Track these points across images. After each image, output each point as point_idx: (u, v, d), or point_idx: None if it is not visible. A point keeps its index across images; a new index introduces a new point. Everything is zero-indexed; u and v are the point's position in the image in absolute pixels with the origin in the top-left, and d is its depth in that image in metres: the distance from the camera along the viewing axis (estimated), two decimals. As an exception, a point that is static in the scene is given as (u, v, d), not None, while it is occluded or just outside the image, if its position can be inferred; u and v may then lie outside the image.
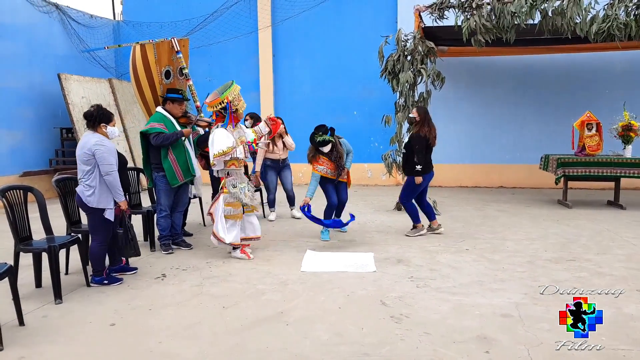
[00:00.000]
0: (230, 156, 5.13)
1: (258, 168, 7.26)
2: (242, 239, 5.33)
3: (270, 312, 3.82)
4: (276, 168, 7.32)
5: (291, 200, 7.63)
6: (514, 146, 10.79)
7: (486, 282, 4.47)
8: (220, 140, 5.07)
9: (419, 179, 6.00)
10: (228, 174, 5.28)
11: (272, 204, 7.51)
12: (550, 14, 6.98)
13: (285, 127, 6.88)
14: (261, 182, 7.46)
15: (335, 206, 6.26)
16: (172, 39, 6.25)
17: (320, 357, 3.09)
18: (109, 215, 4.42)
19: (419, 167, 5.94)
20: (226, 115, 5.18)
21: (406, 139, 6.39)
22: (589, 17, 6.90)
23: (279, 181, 7.51)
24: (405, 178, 6.34)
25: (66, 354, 3.20)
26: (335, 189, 6.22)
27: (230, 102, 5.10)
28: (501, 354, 3.09)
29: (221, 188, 5.30)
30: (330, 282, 4.51)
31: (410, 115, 6.29)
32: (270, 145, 7.08)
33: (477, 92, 10.78)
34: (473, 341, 3.27)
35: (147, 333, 3.49)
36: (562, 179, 8.16)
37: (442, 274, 4.70)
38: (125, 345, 3.30)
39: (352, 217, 6.01)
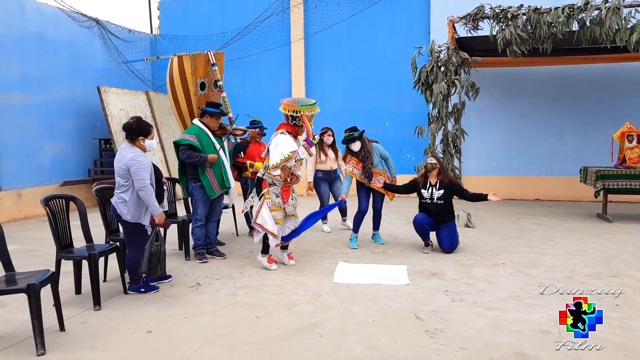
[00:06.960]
0: (294, 160, 5.08)
1: (310, 179, 7.23)
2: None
3: (303, 323, 3.82)
4: (328, 179, 7.18)
5: (343, 212, 7.51)
6: (550, 158, 10.55)
7: (523, 297, 4.36)
8: (286, 144, 5.07)
9: None
10: (271, 183, 5.26)
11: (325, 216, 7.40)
12: (588, 23, 6.84)
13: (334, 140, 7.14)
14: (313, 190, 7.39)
15: (365, 213, 6.33)
16: (209, 52, 6.40)
17: (355, 370, 3.07)
18: (149, 228, 4.53)
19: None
20: (297, 124, 5.18)
21: (431, 160, 6.10)
22: (628, 26, 6.74)
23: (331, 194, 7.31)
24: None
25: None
26: (372, 197, 6.37)
27: (303, 117, 5.07)
28: (541, 371, 3.01)
29: (263, 195, 5.27)
30: (363, 294, 4.49)
31: (430, 161, 6.07)
32: (322, 156, 7.03)
33: (512, 102, 10.61)
34: (511, 358, 3.19)
35: (182, 341, 3.53)
36: (602, 192, 7.94)
37: (477, 289, 4.61)
38: (162, 353, 3.35)
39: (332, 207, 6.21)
